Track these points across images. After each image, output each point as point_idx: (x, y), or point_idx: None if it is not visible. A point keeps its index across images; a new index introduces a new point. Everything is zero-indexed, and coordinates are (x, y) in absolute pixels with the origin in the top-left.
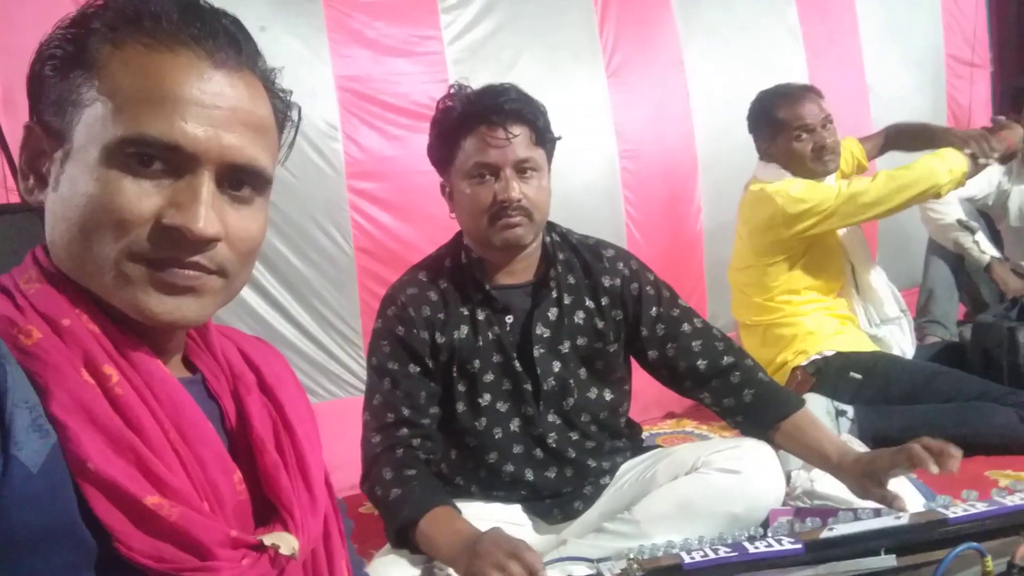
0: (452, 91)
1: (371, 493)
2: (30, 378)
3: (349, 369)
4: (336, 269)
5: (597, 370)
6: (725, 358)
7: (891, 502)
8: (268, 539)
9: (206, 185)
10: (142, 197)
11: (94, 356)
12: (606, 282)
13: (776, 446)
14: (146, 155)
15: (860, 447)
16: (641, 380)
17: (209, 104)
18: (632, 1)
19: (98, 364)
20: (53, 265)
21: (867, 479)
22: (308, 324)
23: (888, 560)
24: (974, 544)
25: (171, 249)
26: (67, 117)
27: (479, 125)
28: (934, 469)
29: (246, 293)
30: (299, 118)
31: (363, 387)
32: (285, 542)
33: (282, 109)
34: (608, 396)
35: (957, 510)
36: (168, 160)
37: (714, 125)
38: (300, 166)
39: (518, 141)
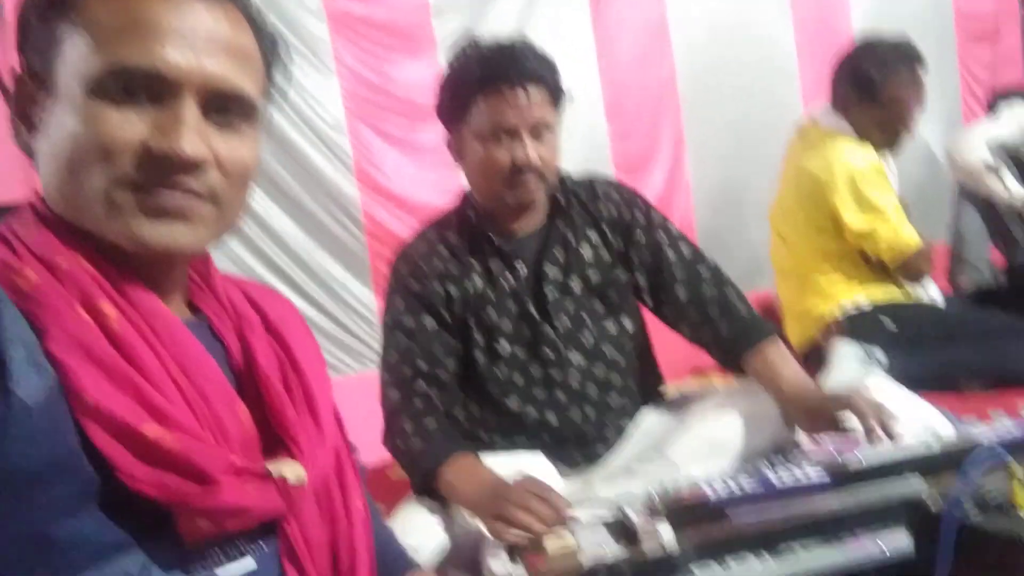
0: (467, 47)
1: (392, 446)
2: (28, 320)
3: (366, 344)
4: (349, 254)
5: (611, 302)
6: (707, 288)
7: (841, 425)
8: (274, 467)
9: (189, 110)
10: (126, 125)
11: (91, 295)
12: (604, 212)
13: (751, 377)
14: (128, 85)
15: (892, 386)
16: (665, 337)
17: (188, 31)
18: None
19: (95, 302)
20: (48, 208)
21: (816, 416)
22: (326, 303)
23: (916, 483)
24: (998, 450)
25: (159, 175)
26: (51, 60)
27: (498, 85)
28: (871, 423)
29: (266, 275)
30: (288, 54)
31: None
32: (292, 471)
33: (267, 45)
34: (627, 324)
35: (984, 428)
36: (151, 89)
37: (697, 60)
38: (311, 160)
39: (536, 102)
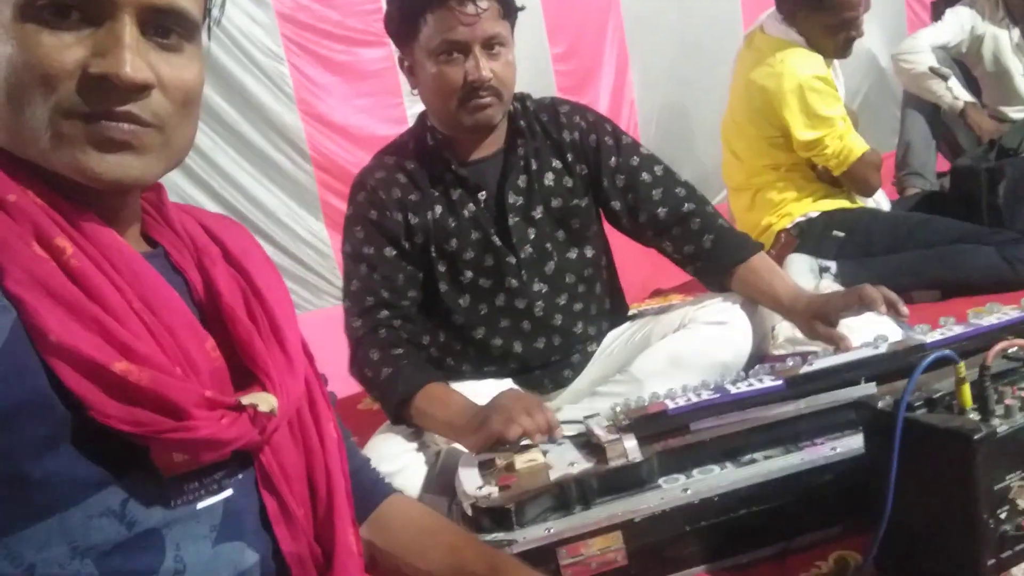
0: None
1: (360, 375)
2: None
3: (326, 279)
4: (299, 188)
5: (573, 230)
6: (686, 205)
7: (838, 342)
8: (246, 399)
9: (128, 29)
10: (63, 49)
11: (45, 230)
12: (567, 137)
13: (735, 291)
14: (61, 5)
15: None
16: (626, 260)
17: None
18: None
19: (50, 237)
20: None
21: (817, 320)
22: (282, 239)
23: (868, 388)
24: (946, 352)
25: (102, 101)
26: None
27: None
28: (882, 309)
29: (216, 210)
30: None
31: (340, 297)
32: (264, 400)
33: None
34: (589, 253)
35: (935, 335)
36: (84, 8)
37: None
38: (254, 94)
39: (487, 16)
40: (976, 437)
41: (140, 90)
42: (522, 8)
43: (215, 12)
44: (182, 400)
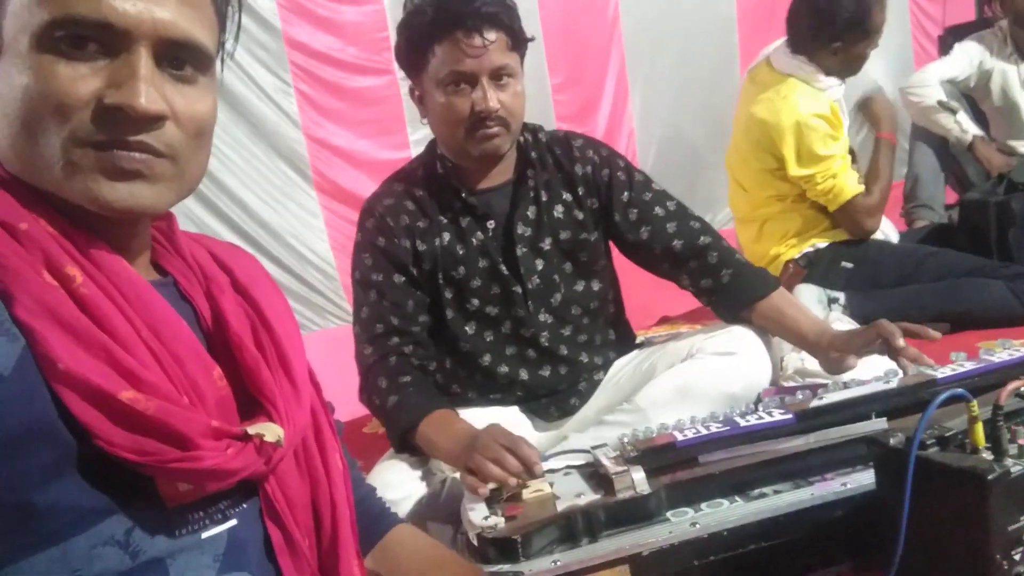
0: None
1: (369, 403)
2: None
3: (331, 300)
4: (304, 210)
5: (581, 263)
6: (701, 238)
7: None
8: (252, 429)
9: (143, 61)
10: (78, 80)
11: (55, 258)
12: (579, 171)
13: (753, 326)
14: (77, 36)
15: (851, 323)
16: (634, 287)
17: None
18: None
19: (60, 266)
20: (3, 169)
21: (840, 355)
22: (288, 261)
23: (879, 423)
24: (959, 391)
25: (116, 131)
26: None
27: (453, 31)
28: (900, 343)
29: (225, 234)
30: (240, 4)
31: (345, 317)
32: (270, 431)
33: None
34: (596, 286)
35: (946, 371)
36: (101, 40)
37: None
38: (260, 117)
39: (494, 47)
40: (990, 477)
41: (154, 121)
42: (531, 39)
43: (228, 45)
44: (188, 430)
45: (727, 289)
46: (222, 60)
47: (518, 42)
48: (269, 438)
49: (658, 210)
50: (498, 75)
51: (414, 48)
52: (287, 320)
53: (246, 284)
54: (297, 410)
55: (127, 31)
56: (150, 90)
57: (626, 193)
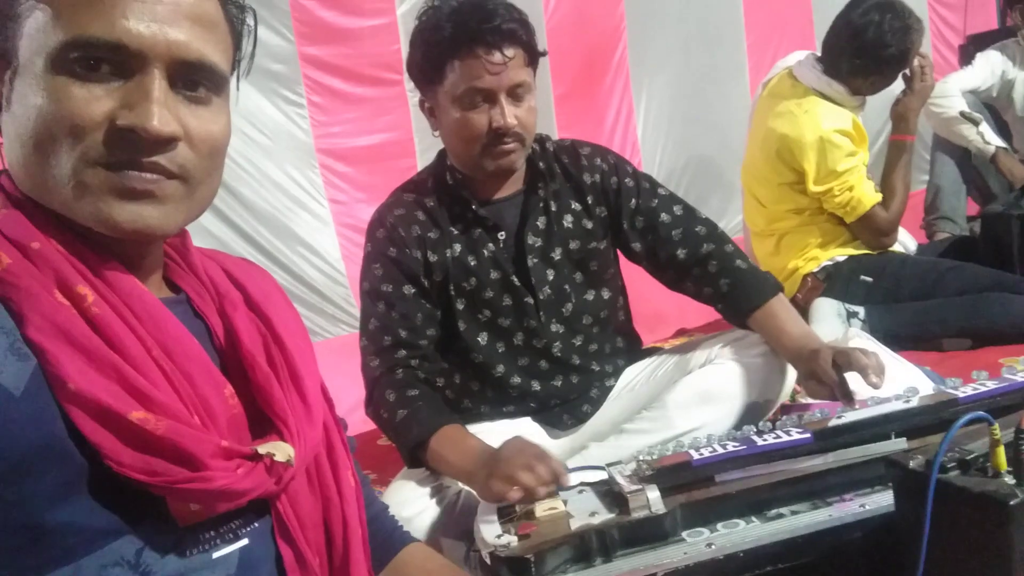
0: (436, 2)
1: (376, 416)
2: (4, 305)
3: (340, 308)
4: (314, 218)
5: (591, 272)
6: (704, 246)
7: (838, 389)
8: (263, 448)
9: (157, 83)
10: (92, 101)
11: (67, 277)
12: (587, 179)
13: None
14: (91, 58)
15: (873, 345)
16: (653, 298)
17: (151, 0)
18: None
19: (71, 285)
20: (17, 189)
21: (814, 371)
22: (297, 268)
23: (899, 443)
24: (980, 413)
25: (128, 151)
26: (10, 33)
27: (473, 47)
28: (873, 379)
29: (237, 243)
30: (255, 23)
31: (355, 324)
32: (281, 450)
33: (236, 13)
34: (606, 295)
35: (967, 389)
36: (115, 61)
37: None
38: (273, 131)
39: (513, 64)
40: (1012, 503)
41: (167, 143)
42: (543, 54)
43: (243, 63)
44: (198, 450)
45: (725, 299)
46: (237, 78)
47: (534, 57)
48: (280, 458)
49: (664, 216)
50: (515, 91)
51: (431, 62)
52: (300, 337)
53: (259, 301)
54: (309, 428)
55: (141, 53)
56: (163, 112)
57: (634, 200)
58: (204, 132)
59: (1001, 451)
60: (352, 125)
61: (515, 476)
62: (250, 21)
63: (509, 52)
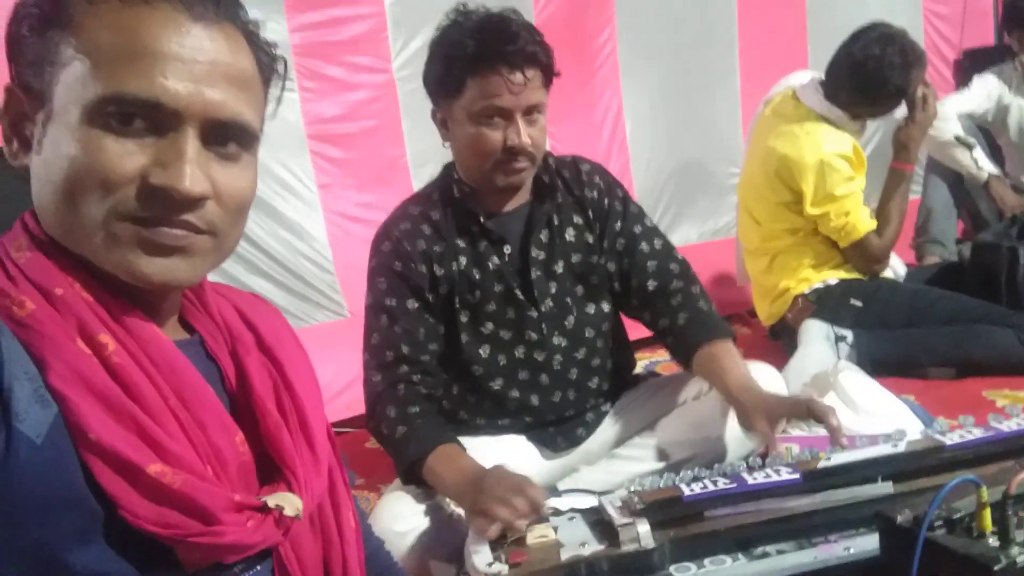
0: (458, 16)
1: (377, 432)
2: (26, 349)
3: (325, 294)
4: (303, 203)
5: (592, 285)
6: (674, 282)
7: (769, 444)
8: (272, 500)
9: (191, 142)
10: (125, 156)
11: (89, 325)
12: (588, 195)
13: (694, 372)
14: (127, 113)
15: (862, 378)
16: None
17: (188, 58)
18: None
19: (93, 333)
20: (43, 231)
21: (759, 416)
22: (283, 255)
23: (885, 487)
24: (970, 477)
25: (159, 208)
26: (46, 78)
27: (496, 66)
28: (834, 422)
29: None
30: (285, 70)
31: (340, 311)
32: (289, 503)
33: (267, 62)
34: (605, 308)
35: (954, 437)
36: (150, 118)
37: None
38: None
39: (531, 85)
40: (996, 568)
41: (197, 202)
42: (558, 74)
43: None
44: (212, 504)
45: (678, 331)
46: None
47: (550, 78)
48: (289, 512)
49: (643, 246)
50: (531, 112)
51: (450, 76)
52: (309, 380)
53: (271, 344)
54: (315, 478)
55: (177, 112)
56: (195, 172)
57: (619, 223)
58: (232, 188)
59: (987, 513)
60: (342, 110)
61: (491, 511)
62: (279, 68)
63: (529, 73)
